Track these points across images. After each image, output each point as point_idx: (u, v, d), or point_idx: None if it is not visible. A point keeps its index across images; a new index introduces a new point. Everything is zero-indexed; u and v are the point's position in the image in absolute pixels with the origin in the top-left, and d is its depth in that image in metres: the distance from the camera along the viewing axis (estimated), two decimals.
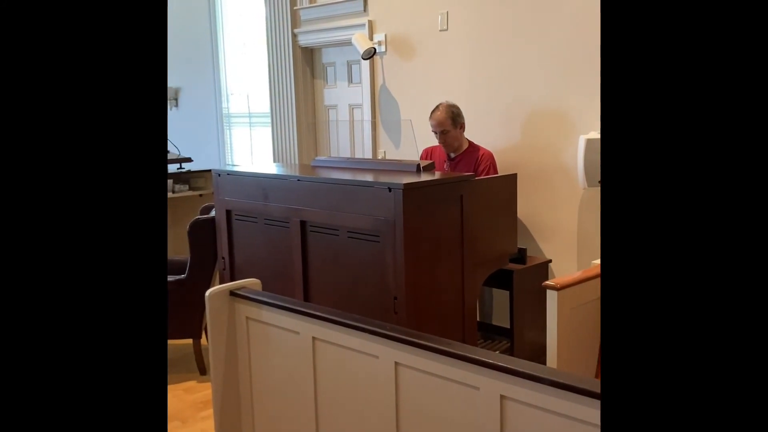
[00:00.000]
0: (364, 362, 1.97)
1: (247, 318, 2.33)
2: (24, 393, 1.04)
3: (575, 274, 2.36)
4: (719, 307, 0.96)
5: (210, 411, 2.50)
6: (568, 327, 2.24)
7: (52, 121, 1.06)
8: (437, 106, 3.61)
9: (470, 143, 3.68)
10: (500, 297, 3.83)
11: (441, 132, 3.58)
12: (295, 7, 4.90)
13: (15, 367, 1.04)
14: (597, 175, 3.25)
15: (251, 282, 2.40)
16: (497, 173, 3.57)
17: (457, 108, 3.59)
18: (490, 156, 3.61)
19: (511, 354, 3.35)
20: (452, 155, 3.67)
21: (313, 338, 2.11)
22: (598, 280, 2.40)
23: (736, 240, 0.95)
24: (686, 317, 0.97)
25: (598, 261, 3.19)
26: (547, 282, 2.22)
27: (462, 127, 3.61)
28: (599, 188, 3.31)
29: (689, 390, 0.96)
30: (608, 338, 1.01)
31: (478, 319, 3.83)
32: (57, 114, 1.06)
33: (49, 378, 1.05)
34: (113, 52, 1.09)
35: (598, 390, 1.46)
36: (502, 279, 3.35)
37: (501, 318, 3.83)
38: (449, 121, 3.55)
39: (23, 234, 1.04)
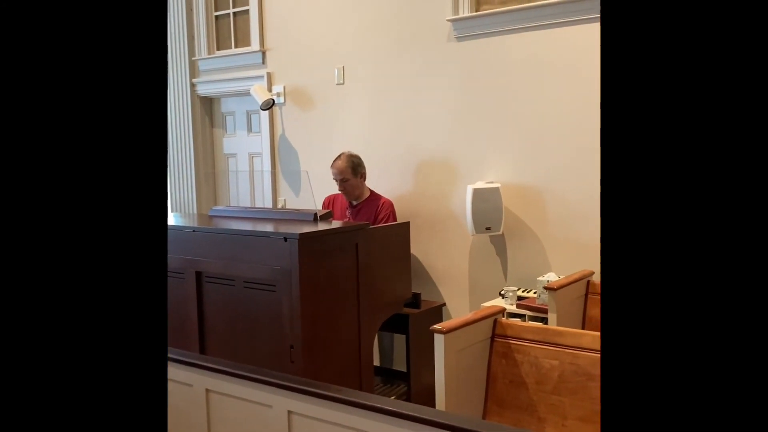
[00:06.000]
0: (257, 412, 1.98)
1: None
2: (23, 391, 1.05)
3: (463, 317, 2.48)
4: (722, 333, 0.97)
5: None
6: (456, 369, 2.34)
7: (54, 125, 1.09)
8: (339, 155, 3.74)
9: (371, 192, 3.81)
10: (400, 341, 3.93)
11: (341, 180, 3.71)
12: (193, 57, 4.93)
13: (12, 366, 1.05)
14: (484, 223, 3.44)
15: None
16: (396, 221, 3.71)
17: (358, 158, 3.74)
18: (390, 204, 3.76)
19: (408, 398, 3.43)
20: (354, 203, 3.78)
21: (207, 390, 2.10)
22: (485, 321, 2.53)
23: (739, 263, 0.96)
24: (686, 339, 0.98)
25: (488, 303, 3.36)
26: (434, 326, 2.32)
27: (363, 176, 3.75)
28: (487, 234, 3.50)
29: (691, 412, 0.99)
30: (608, 358, 1.03)
31: (378, 364, 3.90)
32: (56, 116, 1.09)
33: (47, 379, 1.07)
34: (117, 59, 1.12)
35: (484, 431, 1.56)
36: (399, 323, 3.45)
37: (401, 362, 3.92)
38: (349, 170, 3.69)
39: (26, 262, 1.07)
